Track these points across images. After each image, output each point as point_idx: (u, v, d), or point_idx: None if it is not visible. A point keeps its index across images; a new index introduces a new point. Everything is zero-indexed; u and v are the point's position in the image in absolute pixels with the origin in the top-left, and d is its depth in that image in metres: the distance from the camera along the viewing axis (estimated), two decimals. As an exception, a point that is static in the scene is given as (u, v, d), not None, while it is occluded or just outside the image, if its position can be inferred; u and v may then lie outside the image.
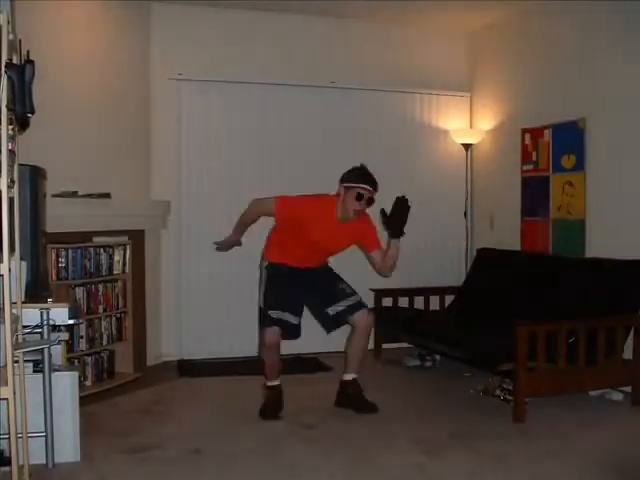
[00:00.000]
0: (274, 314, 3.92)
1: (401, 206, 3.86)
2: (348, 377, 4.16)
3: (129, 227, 4.99)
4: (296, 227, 3.92)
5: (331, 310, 4.05)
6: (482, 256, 5.75)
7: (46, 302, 3.11)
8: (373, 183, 3.86)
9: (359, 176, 3.86)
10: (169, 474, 3.23)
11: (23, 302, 2.89)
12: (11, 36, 2.47)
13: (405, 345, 5.57)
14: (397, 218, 3.88)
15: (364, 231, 4.00)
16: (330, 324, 4.20)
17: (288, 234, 4.01)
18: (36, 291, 3.19)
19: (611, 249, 4.55)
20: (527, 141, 5.52)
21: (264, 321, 3.99)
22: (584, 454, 3.43)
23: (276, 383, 4.08)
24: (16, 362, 2.68)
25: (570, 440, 3.64)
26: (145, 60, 5.40)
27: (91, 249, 4.65)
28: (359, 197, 3.82)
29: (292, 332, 4.01)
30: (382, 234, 4.13)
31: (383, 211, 3.94)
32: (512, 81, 5.80)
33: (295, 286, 3.99)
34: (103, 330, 4.73)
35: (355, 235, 4.01)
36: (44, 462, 3.18)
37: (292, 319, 3.97)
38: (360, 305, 4.07)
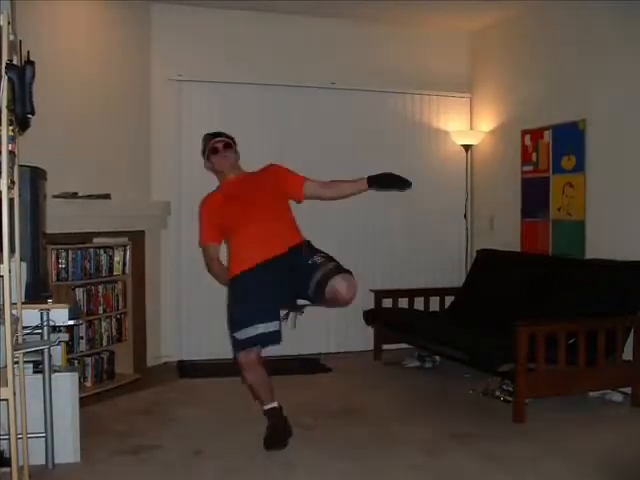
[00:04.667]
0: (242, 334, 3.46)
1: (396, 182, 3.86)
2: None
3: (129, 228, 4.99)
4: (222, 218, 3.68)
5: (310, 290, 3.43)
6: (482, 257, 5.75)
7: (46, 303, 3.11)
8: (218, 134, 3.88)
9: (204, 141, 3.91)
10: (169, 474, 3.23)
11: (23, 303, 2.88)
12: (11, 37, 2.47)
13: (405, 346, 5.57)
14: (386, 181, 3.87)
15: (274, 171, 3.82)
16: (314, 297, 3.50)
17: (230, 234, 3.69)
18: (36, 292, 3.19)
19: (611, 250, 4.55)
20: (527, 142, 5.52)
21: (234, 348, 3.54)
22: (584, 454, 3.43)
23: (274, 405, 3.60)
24: (16, 363, 2.68)
25: (570, 440, 3.64)
26: (145, 60, 5.40)
27: (91, 250, 4.66)
28: (215, 151, 3.81)
29: (270, 340, 3.51)
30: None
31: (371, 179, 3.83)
32: (512, 82, 5.80)
33: (262, 287, 3.48)
34: (103, 331, 4.73)
35: (268, 177, 3.79)
36: (44, 463, 3.18)
37: (265, 328, 3.44)
38: (337, 270, 3.45)
